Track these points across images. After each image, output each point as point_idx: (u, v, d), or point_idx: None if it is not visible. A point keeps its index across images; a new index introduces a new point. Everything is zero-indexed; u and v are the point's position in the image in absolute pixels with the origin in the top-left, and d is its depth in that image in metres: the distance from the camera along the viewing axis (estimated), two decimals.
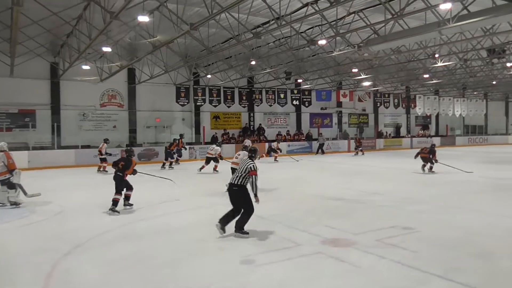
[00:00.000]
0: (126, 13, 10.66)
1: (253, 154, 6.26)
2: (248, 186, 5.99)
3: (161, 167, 15.60)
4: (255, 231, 6.23)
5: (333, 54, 15.13)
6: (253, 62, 17.87)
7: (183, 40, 15.27)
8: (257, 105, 25.33)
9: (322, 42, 13.27)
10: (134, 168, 8.15)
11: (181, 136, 16.96)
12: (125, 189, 8.03)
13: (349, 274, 4.65)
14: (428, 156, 13.48)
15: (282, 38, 15.65)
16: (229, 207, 6.12)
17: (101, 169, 14.55)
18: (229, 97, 23.87)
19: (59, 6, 11.77)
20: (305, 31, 14.82)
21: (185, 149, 17.85)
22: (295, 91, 26.35)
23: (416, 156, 13.85)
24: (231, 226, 6.03)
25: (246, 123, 24.97)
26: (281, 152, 20.13)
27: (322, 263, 4.96)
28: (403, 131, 31.57)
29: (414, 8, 11.18)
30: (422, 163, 13.67)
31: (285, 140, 22.51)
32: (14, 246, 5.69)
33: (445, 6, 9.88)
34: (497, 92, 34.62)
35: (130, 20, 12.42)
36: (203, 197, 9.27)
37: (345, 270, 4.74)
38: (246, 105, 24.88)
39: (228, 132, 23.67)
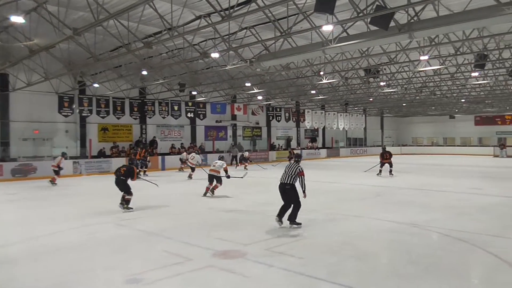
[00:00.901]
0: None
1: (299, 159, 7.94)
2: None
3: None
4: (143, 248, 6.05)
5: (227, 68, 15.54)
6: (144, 72, 17.39)
7: (67, 46, 14.18)
8: (150, 117, 24.59)
9: (215, 55, 13.53)
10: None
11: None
12: (125, 192, 9.32)
13: (239, 285, 4.75)
14: (390, 160, 16.87)
15: (175, 49, 15.57)
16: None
17: (54, 181, 14.92)
18: (119, 108, 22.74)
19: None
20: (198, 43, 14.96)
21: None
22: (190, 104, 26.25)
23: (382, 166, 17.00)
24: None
25: (139, 136, 24.03)
26: (250, 162, 22.30)
27: (213, 276, 4.98)
28: (293, 143, 33.72)
29: (301, 28, 12.18)
30: (379, 169, 17.02)
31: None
32: None
33: (327, 28, 10.94)
34: (374, 108, 39.28)
35: (0, 20, 11.13)
36: (90, 216, 8.65)
37: (235, 282, 4.83)
38: (137, 117, 23.97)
39: (118, 145, 22.48)
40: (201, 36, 14.50)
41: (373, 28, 10.53)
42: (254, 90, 23.18)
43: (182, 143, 25.67)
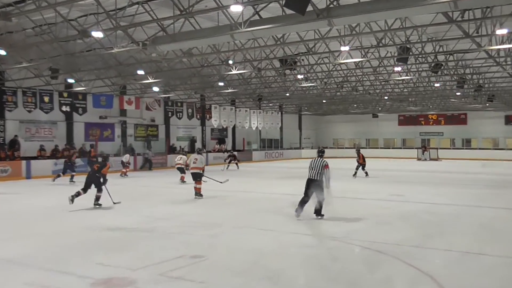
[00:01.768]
0: None
1: (322, 154, 10.00)
2: None
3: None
4: None
5: (114, 51, 15.02)
6: (2, 52, 16.07)
7: None
8: (10, 111, 22.76)
9: (98, 34, 13.02)
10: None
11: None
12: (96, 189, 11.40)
13: None
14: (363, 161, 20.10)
15: (45, 24, 14.60)
16: None
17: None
18: None
19: None
20: (76, 18, 14.23)
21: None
22: (65, 94, 24.81)
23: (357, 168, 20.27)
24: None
25: None
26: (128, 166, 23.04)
27: None
28: (199, 145, 33.80)
29: (206, 7, 12.23)
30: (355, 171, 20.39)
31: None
32: None
33: (236, 9, 11.18)
34: (291, 104, 41.06)
35: None
36: None
37: None
38: None
39: None
40: (79, 9, 13.82)
41: (289, 12, 10.91)
42: (148, 79, 22.75)
43: (56, 145, 24.12)
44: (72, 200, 11.23)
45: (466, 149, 41.05)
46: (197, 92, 30.83)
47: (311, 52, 18.12)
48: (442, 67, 21.03)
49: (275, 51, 19.20)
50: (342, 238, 7.99)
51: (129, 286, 5.52)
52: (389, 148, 44.21)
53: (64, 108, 24.87)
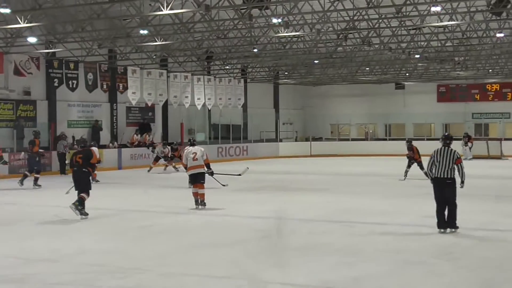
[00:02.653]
0: None
1: (450, 141, 11.97)
2: None
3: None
4: None
5: None
6: None
7: None
8: None
9: None
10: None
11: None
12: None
13: None
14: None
15: None
16: None
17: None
18: None
19: None
20: None
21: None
22: None
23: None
24: None
25: None
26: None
27: None
28: (105, 134, 33.37)
29: None
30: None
31: None
32: None
33: None
34: (261, 68, 41.06)
35: None
36: None
37: None
38: None
39: None
40: None
41: None
42: (20, 23, 22.32)
43: None
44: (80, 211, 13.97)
45: None
46: (103, 46, 30.38)
47: None
48: (509, 6, 21.44)
49: None
50: None
51: None
52: (422, 139, 44.78)
53: None
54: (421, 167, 22.46)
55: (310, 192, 20.04)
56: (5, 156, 24.11)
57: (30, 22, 22.61)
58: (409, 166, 23.64)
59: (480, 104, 46.25)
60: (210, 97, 38.30)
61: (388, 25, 26.24)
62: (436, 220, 11.95)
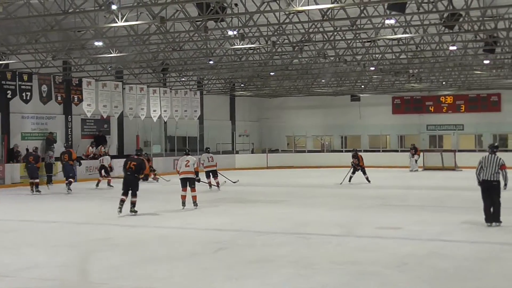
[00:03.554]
0: None
1: (496, 149, 14.47)
2: None
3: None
4: None
5: None
6: None
7: None
8: None
9: None
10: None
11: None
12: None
13: None
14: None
15: None
16: None
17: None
18: None
19: None
20: None
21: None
22: None
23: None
24: None
25: None
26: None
27: None
28: (59, 146, 33.02)
29: None
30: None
31: None
32: None
33: None
34: (217, 79, 40.98)
35: None
36: None
37: None
38: None
39: None
40: None
41: None
42: None
43: None
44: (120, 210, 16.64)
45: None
46: (57, 58, 30.07)
47: None
48: (461, 19, 21.81)
49: None
50: None
51: None
52: (378, 150, 45.30)
53: None
54: (364, 173, 27.41)
55: (266, 204, 20.12)
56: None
57: None
58: (353, 172, 27.73)
59: (434, 116, 46.86)
60: (166, 109, 38.20)
61: (343, 38, 26.45)
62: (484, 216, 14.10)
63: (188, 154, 19.21)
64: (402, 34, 25.02)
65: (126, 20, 20.33)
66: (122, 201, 16.60)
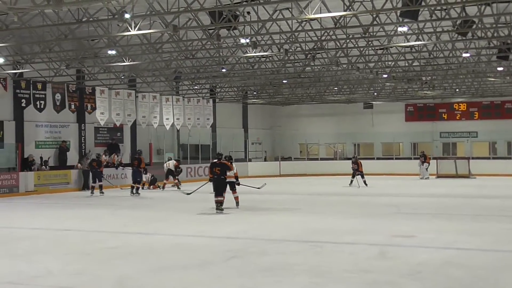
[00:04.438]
0: None
1: None
2: None
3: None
4: None
5: None
6: None
7: None
8: None
9: None
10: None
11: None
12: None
13: None
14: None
15: None
16: None
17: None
18: None
19: None
20: None
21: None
22: None
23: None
24: None
25: None
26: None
27: None
28: (72, 155, 33.07)
29: None
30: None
31: None
32: None
33: None
34: (230, 87, 41.09)
35: None
36: None
37: None
38: None
39: None
40: None
41: None
42: None
43: None
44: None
45: None
46: (71, 66, 30.20)
47: (261, 1, 18.19)
48: (474, 26, 21.74)
49: None
50: None
51: None
52: (391, 158, 45.16)
53: None
54: (362, 177, 30.52)
55: (279, 212, 20.04)
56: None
57: None
58: (353, 176, 30.88)
59: (448, 123, 46.66)
60: (179, 117, 38.24)
61: (356, 45, 26.41)
62: None
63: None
64: (415, 41, 24.99)
65: (139, 29, 20.39)
66: (220, 202, 18.99)
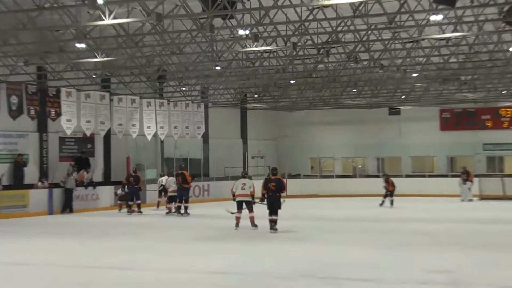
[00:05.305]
0: None
1: None
2: None
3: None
4: None
5: None
6: None
7: None
8: None
9: None
10: None
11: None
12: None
13: None
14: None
15: None
16: None
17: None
18: None
19: None
20: None
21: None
22: None
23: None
24: None
25: None
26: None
27: None
28: (32, 171, 33.02)
29: None
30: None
31: None
32: None
33: None
34: (226, 89, 41.14)
35: None
36: None
37: None
38: None
39: None
40: None
41: None
42: None
43: None
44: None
45: None
46: (30, 63, 30.25)
47: None
48: None
49: None
50: None
51: None
52: (422, 175, 45.14)
53: None
54: (391, 195, 33.29)
55: (286, 241, 20.08)
56: None
57: None
58: (385, 196, 33.38)
59: (493, 133, 46.56)
60: (163, 125, 38.20)
61: (379, 38, 26.42)
62: None
63: (245, 177, 23.48)
64: (452, 32, 24.93)
65: (114, 18, 20.41)
66: (274, 221, 21.64)
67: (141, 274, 14.49)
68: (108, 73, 34.20)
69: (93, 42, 26.12)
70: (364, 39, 26.00)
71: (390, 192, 33.22)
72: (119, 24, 22.90)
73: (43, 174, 33.44)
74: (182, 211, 29.10)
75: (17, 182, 32.10)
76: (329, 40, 26.48)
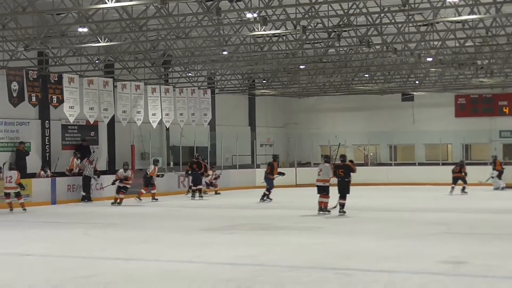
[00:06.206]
0: None
1: None
2: None
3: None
4: None
5: None
6: None
7: None
8: None
9: None
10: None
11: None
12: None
13: None
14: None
15: None
16: None
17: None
18: None
19: None
20: None
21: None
22: None
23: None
24: None
25: None
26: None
27: None
28: (33, 159, 33.07)
29: None
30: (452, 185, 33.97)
31: None
32: None
33: None
34: (233, 75, 41.08)
35: None
36: None
37: None
38: None
39: None
40: None
41: None
42: None
43: None
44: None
45: None
46: (31, 48, 30.26)
47: None
48: None
49: None
50: None
51: None
52: (437, 163, 44.99)
53: None
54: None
55: (296, 231, 20.11)
56: None
57: None
58: (454, 182, 34.49)
59: (510, 120, 46.35)
60: (169, 112, 38.23)
61: (392, 21, 26.38)
62: None
63: (327, 162, 25.94)
64: (468, 15, 24.86)
65: (117, 0, 20.43)
66: (343, 205, 23.71)
67: (146, 266, 14.47)
68: (111, 58, 34.12)
69: (95, 26, 26.12)
70: (377, 22, 25.93)
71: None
72: (122, 7, 22.88)
73: (46, 162, 33.45)
74: (197, 195, 32.75)
75: (19, 171, 32.09)
76: (341, 23, 26.46)
